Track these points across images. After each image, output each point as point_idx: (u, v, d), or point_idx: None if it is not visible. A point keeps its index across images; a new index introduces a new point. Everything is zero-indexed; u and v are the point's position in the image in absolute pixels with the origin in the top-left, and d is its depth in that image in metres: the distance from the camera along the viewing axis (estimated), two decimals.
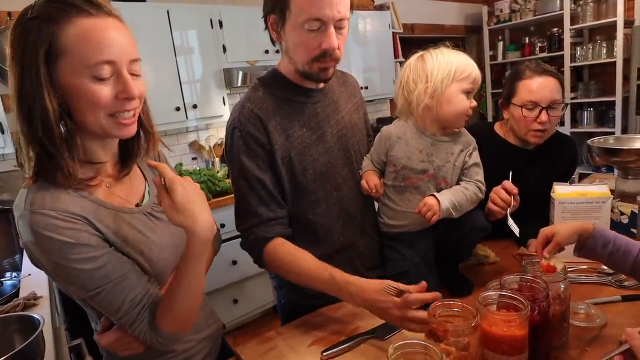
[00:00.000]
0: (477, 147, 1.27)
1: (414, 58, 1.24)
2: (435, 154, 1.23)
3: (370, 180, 1.25)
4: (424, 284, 0.99)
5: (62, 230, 0.78)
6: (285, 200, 1.19)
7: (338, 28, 1.08)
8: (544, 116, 1.41)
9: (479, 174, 1.25)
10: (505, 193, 1.25)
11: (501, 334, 0.81)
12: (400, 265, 1.26)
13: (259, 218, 1.15)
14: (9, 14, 2.57)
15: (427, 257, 1.27)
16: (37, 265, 0.85)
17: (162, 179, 0.82)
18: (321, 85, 1.24)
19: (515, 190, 1.24)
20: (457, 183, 1.24)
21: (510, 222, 1.22)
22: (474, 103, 1.22)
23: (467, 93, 1.19)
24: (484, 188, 1.24)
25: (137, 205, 0.95)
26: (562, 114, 1.48)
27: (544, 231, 1.06)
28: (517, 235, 1.22)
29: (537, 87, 1.42)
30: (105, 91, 0.79)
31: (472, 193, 1.20)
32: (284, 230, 1.18)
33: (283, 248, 1.14)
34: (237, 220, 1.19)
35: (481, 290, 1.15)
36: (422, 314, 0.93)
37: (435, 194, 1.16)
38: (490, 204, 1.27)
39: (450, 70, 1.17)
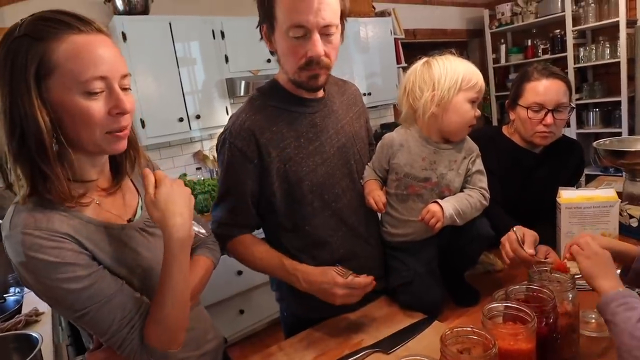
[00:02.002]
0: (480, 154, 1.25)
1: (419, 64, 1.22)
2: (438, 162, 1.20)
3: (376, 195, 1.22)
4: (371, 277, 1.10)
5: (47, 249, 0.76)
6: (275, 210, 1.21)
7: (325, 35, 1.06)
8: (549, 119, 1.40)
9: (482, 181, 1.22)
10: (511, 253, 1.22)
11: (508, 348, 0.78)
12: (404, 276, 1.23)
13: (226, 220, 1.22)
14: None
15: (432, 267, 1.25)
16: (26, 285, 0.84)
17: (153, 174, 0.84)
18: (320, 94, 1.22)
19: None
20: (461, 191, 1.22)
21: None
22: (479, 112, 1.20)
23: (472, 102, 1.18)
24: (488, 195, 1.22)
25: (129, 220, 0.94)
26: (569, 117, 1.46)
27: (579, 239, 0.97)
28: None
29: (543, 89, 1.41)
30: (97, 107, 0.78)
31: (476, 200, 1.18)
32: (246, 230, 1.25)
33: (242, 244, 1.23)
34: (212, 209, 1.27)
35: (488, 300, 1.13)
36: (361, 279, 1.08)
37: (439, 200, 1.14)
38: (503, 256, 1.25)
39: (457, 78, 1.15)
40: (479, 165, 1.23)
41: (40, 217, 0.78)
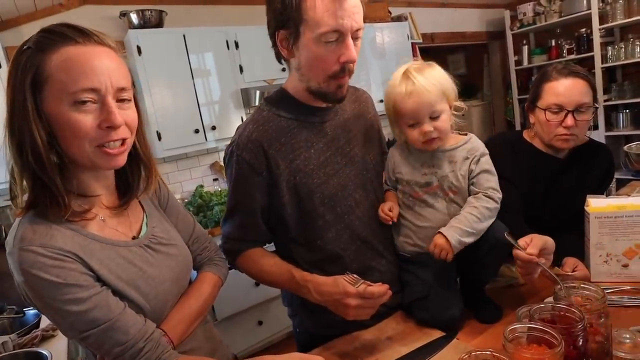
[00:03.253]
0: (486, 153, 1.17)
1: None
2: (437, 165, 1.16)
3: (386, 207, 1.19)
4: (386, 285, 1.02)
5: (49, 268, 0.75)
6: (286, 224, 1.16)
7: (354, 39, 1.04)
8: (569, 120, 1.30)
9: (489, 181, 1.14)
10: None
11: None
12: (418, 290, 1.17)
13: (235, 235, 1.19)
14: None
15: (449, 280, 1.18)
16: (29, 303, 0.82)
17: None
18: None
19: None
20: (469, 194, 1.15)
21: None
22: (430, 128, 1.10)
23: (415, 124, 1.12)
24: (497, 195, 1.13)
25: (134, 238, 0.92)
26: (592, 117, 1.36)
27: None
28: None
29: (563, 89, 1.32)
30: (87, 120, 0.76)
31: (483, 208, 1.09)
32: (256, 245, 1.22)
33: (251, 258, 1.20)
34: (222, 224, 1.24)
35: (510, 317, 1.05)
36: (375, 287, 1.00)
37: (442, 230, 1.08)
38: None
39: (389, 109, 1.16)
40: (484, 164, 1.15)
41: (44, 232, 0.77)
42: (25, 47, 0.77)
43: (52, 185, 0.77)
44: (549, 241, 1.10)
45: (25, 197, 0.79)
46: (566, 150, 1.42)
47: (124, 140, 0.82)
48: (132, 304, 0.85)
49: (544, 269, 1.06)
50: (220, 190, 3.20)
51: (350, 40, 1.02)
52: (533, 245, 1.07)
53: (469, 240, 1.07)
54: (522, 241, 1.08)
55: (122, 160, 0.83)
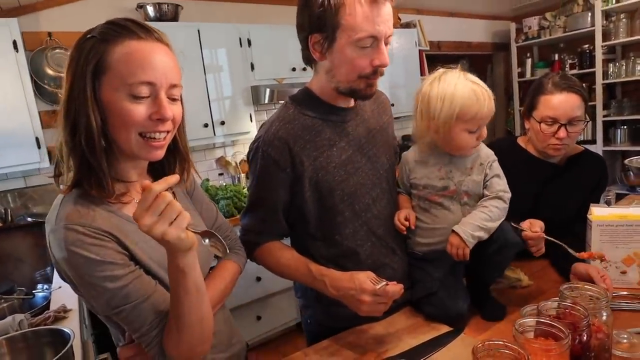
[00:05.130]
0: (496, 158, 1.24)
1: (426, 83, 1.20)
2: (455, 170, 1.22)
3: (402, 215, 1.25)
4: (401, 285, 1.07)
5: (88, 246, 0.79)
6: (306, 219, 1.21)
7: (386, 44, 1.09)
8: (562, 132, 1.39)
9: (500, 184, 1.21)
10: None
11: None
12: (428, 287, 1.22)
13: (255, 228, 1.23)
14: (49, 34, 2.69)
15: (457, 277, 1.24)
16: (64, 279, 0.87)
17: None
18: (351, 103, 1.23)
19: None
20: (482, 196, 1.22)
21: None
22: (483, 136, 1.19)
23: (472, 132, 1.17)
24: (507, 195, 1.21)
25: None
26: (583, 129, 1.44)
27: None
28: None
29: (557, 103, 1.39)
30: (139, 110, 0.81)
31: (493, 207, 1.16)
32: (274, 238, 1.26)
33: (270, 251, 1.24)
34: (241, 217, 1.28)
35: (514, 315, 1.11)
36: (390, 287, 1.05)
37: (454, 228, 1.14)
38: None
39: (453, 113, 1.13)
40: (495, 169, 1.23)
41: (85, 212, 0.81)
42: (89, 35, 0.81)
43: (98, 168, 0.81)
44: (540, 222, 1.30)
45: (71, 175, 0.83)
46: (558, 156, 1.49)
47: (167, 133, 0.86)
48: (162, 284, 0.90)
49: (548, 239, 1.27)
50: (226, 185, 3.24)
51: (383, 46, 1.07)
52: (534, 225, 1.27)
53: (481, 234, 1.13)
54: (524, 225, 1.28)
55: (161, 153, 0.88)
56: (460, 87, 1.14)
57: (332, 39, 1.07)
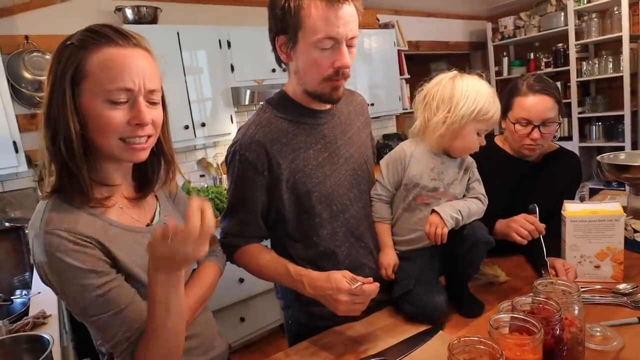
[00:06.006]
0: (476, 165, 1.31)
1: (446, 77, 1.22)
2: (445, 172, 1.24)
3: (385, 260, 1.27)
4: (377, 284, 1.08)
5: (71, 252, 0.79)
6: (284, 221, 1.22)
7: (349, 46, 1.09)
8: (535, 133, 1.43)
9: (480, 188, 1.30)
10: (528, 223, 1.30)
11: (514, 358, 0.79)
12: (405, 285, 1.24)
13: (234, 230, 1.24)
14: (26, 37, 2.63)
15: (433, 274, 1.27)
16: (46, 284, 0.86)
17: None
18: (328, 106, 1.24)
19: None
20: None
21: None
22: (484, 142, 1.24)
23: (481, 134, 1.22)
24: (485, 200, 1.28)
25: (147, 225, 0.96)
26: (556, 130, 1.49)
27: None
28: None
29: (530, 105, 1.43)
30: (118, 115, 0.82)
31: (472, 202, 1.24)
32: (254, 240, 1.27)
33: (249, 253, 1.25)
34: (221, 220, 1.28)
35: (492, 311, 1.13)
36: (366, 287, 1.06)
37: (435, 208, 1.18)
38: (515, 235, 1.31)
39: (474, 109, 1.16)
40: (477, 174, 1.31)
41: (69, 217, 0.81)
42: (68, 42, 0.81)
43: (78, 173, 0.82)
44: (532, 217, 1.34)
45: (52, 180, 0.83)
46: (533, 156, 1.53)
47: (148, 137, 0.87)
48: (145, 288, 0.90)
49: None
50: (207, 187, 3.22)
51: (344, 47, 1.07)
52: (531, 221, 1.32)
53: (459, 218, 1.17)
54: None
55: (144, 155, 0.88)
56: (484, 89, 1.19)
57: (295, 40, 1.08)
